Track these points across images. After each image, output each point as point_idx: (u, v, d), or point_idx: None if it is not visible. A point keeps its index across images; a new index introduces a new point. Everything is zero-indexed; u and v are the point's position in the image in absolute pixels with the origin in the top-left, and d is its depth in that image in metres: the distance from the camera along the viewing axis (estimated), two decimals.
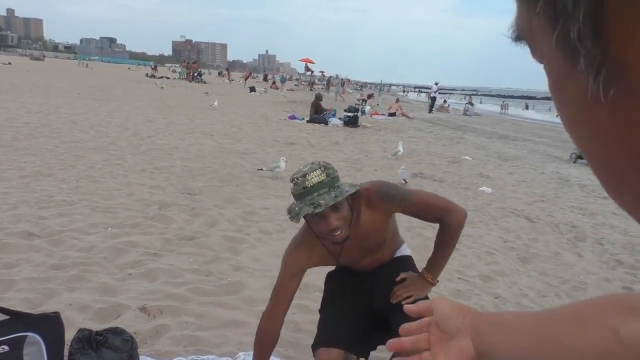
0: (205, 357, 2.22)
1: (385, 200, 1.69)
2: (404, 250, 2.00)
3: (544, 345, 0.55)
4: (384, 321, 1.82)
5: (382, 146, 10.13)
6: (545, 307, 3.28)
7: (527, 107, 41.88)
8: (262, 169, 6.15)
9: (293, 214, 1.58)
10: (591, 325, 0.53)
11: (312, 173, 1.56)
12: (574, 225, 5.45)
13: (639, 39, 0.16)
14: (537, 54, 0.22)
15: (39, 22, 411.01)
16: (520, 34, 0.23)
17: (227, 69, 47.54)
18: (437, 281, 1.84)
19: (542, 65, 0.22)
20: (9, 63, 39.68)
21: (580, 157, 10.88)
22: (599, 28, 0.17)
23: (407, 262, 1.96)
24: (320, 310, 1.99)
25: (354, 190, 1.59)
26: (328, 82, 40.66)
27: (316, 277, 3.24)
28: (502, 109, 36.00)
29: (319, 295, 2.98)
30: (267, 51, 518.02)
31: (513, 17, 0.22)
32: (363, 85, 65.39)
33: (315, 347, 1.81)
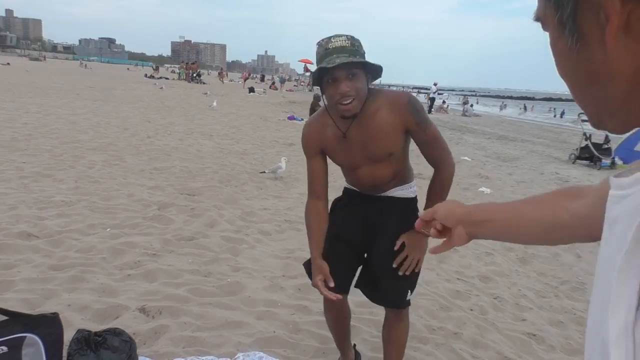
0: (204, 357, 2.22)
1: (409, 110, 1.70)
2: (410, 190, 1.94)
3: (514, 221, 0.86)
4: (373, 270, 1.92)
5: None
6: (545, 307, 3.28)
7: (525, 109, 41.73)
8: (264, 172, 6.15)
9: (312, 77, 1.63)
10: (548, 205, 0.83)
11: (337, 37, 1.59)
12: None
13: (588, 22, 0.38)
14: (546, 27, 0.44)
15: (37, 23, 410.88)
16: (538, 17, 0.44)
17: (222, 69, 47.00)
18: None
19: (547, 34, 0.43)
20: (8, 63, 39.64)
21: (579, 157, 10.89)
22: (576, 16, 0.38)
23: (410, 212, 1.92)
24: (325, 243, 1.99)
25: (372, 62, 1.61)
26: None
27: None
28: (500, 109, 36.02)
29: (319, 296, 2.98)
30: (266, 52, 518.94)
31: (536, 7, 0.44)
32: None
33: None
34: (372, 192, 1.92)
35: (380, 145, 1.74)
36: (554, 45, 0.43)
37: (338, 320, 2.11)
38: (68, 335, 1.97)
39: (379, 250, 1.88)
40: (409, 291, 1.90)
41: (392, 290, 1.91)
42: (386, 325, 2.06)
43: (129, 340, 2.04)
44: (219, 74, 49.33)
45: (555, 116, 36.96)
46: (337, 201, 2.06)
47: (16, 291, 2.64)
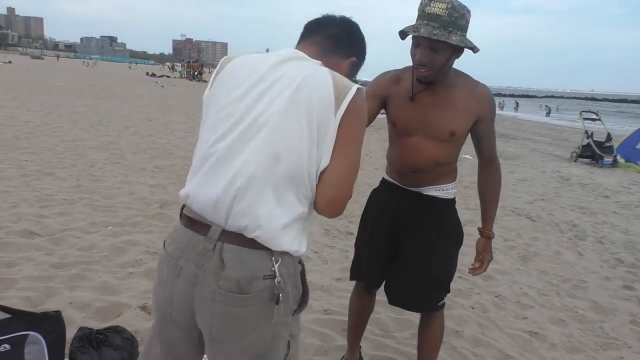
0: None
1: (489, 100, 1.73)
2: (449, 190, 1.89)
3: None
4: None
5: (382, 145, 10.13)
6: (546, 306, 3.28)
7: (517, 106, 41.83)
8: None
9: (403, 29, 1.62)
10: None
11: (438, 3, 1.52)
12: (575, 224, 5.45)
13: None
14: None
15: (39, 21, 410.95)
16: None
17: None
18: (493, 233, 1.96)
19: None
20: (9, 62, 39.69)
21: (581, 155, 10.87)
22: None
23: (448, 213, 1.92)
24: (359, 231, 2.03)
25: (460, 44, 1.53)
26: None
27: (317, 276, 3.25)
28: (501, 108, 36.00)
29: (319, 295, 2.99)
30: (267, 50, 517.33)
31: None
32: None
33: (358, 280, 2.08)
34: (410, 181, 1.84)
35: (447, 118, 1.69)
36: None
37: (362, 309, 2.14)
38: (70, 333, 1.97)
39: (415, 252, 1.87)
40: (440, 294, 1.92)
41: (423, 293, 1.90)
42: (422, 325, 2.04)
43: (130, 338, 2.05)
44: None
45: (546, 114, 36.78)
46: (374, 193, 2.04)
47: (18, 289, 2.64)
